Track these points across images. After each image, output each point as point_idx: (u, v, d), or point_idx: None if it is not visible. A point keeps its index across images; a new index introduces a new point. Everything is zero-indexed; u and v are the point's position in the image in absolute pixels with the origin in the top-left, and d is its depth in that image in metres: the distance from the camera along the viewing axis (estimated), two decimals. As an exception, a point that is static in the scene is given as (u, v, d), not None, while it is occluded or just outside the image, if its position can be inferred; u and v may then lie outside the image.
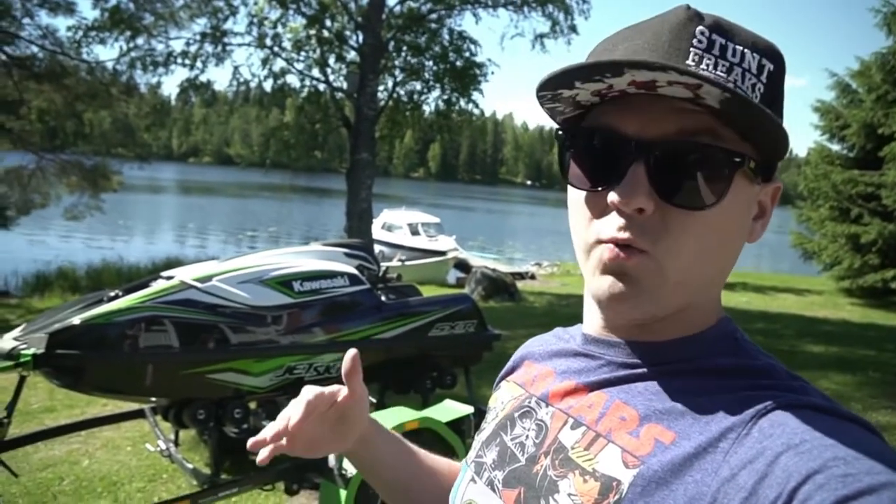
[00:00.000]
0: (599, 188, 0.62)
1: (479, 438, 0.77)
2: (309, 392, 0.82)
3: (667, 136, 0.58)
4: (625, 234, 0.59)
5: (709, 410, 0.58)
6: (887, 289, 13.47)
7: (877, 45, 33.88)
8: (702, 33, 0.59)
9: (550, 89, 0.61)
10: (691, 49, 0.58)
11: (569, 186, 0.66)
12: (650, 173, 0.58)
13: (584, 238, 0.64)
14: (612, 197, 0.59)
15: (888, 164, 12.99)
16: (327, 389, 0.83)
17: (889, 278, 13.00)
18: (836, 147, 15.14)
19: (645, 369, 0.64)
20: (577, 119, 0.66)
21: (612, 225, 0.60)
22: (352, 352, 0.82)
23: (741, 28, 0.61)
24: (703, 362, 0.63)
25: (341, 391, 0.84)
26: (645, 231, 0.59)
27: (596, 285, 0.62)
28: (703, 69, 0.57)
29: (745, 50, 0.59)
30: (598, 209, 0.62)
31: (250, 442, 0.82)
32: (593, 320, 0.70)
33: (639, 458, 0.58)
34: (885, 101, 13.42)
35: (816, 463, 0.48)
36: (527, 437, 0.69)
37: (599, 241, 0.62)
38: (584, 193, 0.64)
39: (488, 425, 0.78)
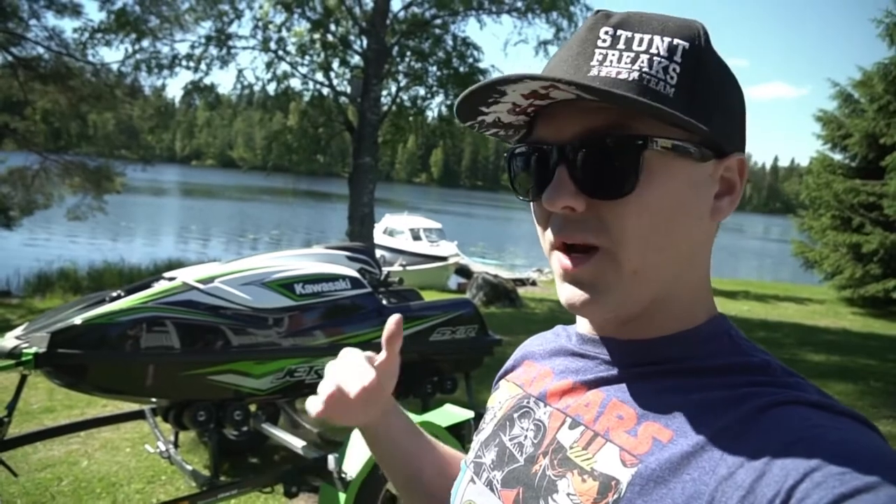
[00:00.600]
0: (537, 197, 0.64)
1: (478, 439, 0.77)
2: (359, 355, 0.83)
3: (578, 135, 0.61)
4: (565, 233, 0.62)
5: (706, 408, 0.58)
6: (889, 299, 13.46)
7: (879, 55, 33.99)
8: (605, 32, 0.61)
9: (470, 119, 0.66)
10: (595, 50, 0.61)
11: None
12: (571, 173, 0.60)
13: (544, 245, 0.67)
14: (544, 199, 0.62)
15: (890, 173, 12.99)
16: (368, 353, 0.84)
17: (890, 288, 13.00)
18: (837, 156, 15.17)
19: (641, 367, 0.65)
20: (524, 139, 0.69)
21: (555, 228, 0.63)
22: (396, 316, 0.83)
23: (655, 17, 0.62)
24: (699, 360, 0.63)
25: (379, 356, 0.84)
26: (585, 227, 0.61)
27: (561, 294, 0.65)
28: (607, 65, 0.59)
29: (654, 36, 0.60)
30: (545, 217, 0.65)
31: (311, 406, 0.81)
32: (585, 322, 0.71)
33: (637, 456, 0.58)
34: (887, 112, 13.44)
35: (814, 460, 0.48)
36: (525, 437, 0.69)
37: (552, 246, 0.64)
38: (533, 205, 0.67)
39: (487, 425, 0.78)
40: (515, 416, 0.73)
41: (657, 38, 0.60)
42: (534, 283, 17.42)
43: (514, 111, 0.63)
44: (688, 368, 0.63)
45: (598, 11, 0.63)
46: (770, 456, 0.51)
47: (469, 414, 3.53)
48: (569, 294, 0.63)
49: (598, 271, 0.61)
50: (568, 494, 0.60)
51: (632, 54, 0.60)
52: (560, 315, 11.25)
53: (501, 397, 0.80)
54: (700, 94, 0.60)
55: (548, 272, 20.58)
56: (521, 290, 13.43)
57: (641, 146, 0.59)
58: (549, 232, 0.64)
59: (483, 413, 3.05)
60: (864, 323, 12.32)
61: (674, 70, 0.60)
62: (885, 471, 0.47)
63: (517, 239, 36.41)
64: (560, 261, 0.63)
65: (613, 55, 0.60)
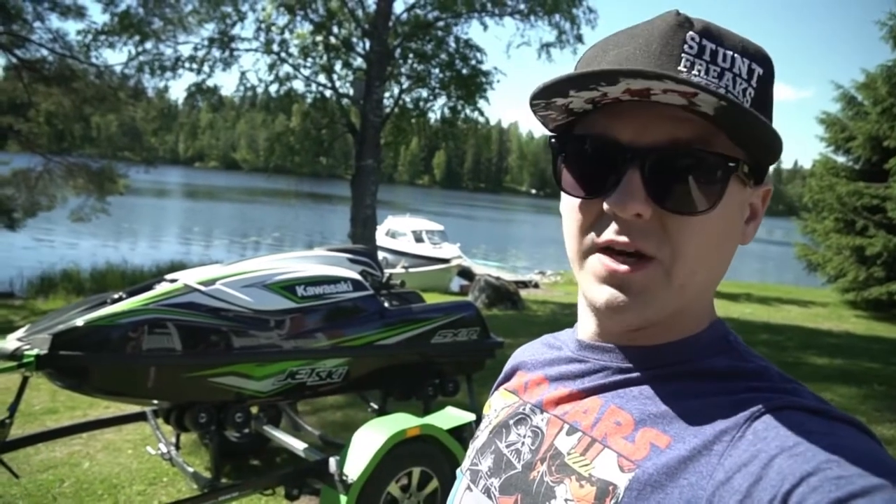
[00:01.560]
0: (594, 196, 0.62)
1: (474, 446, 0.77)
2: None
3: (661, 142, 0.59)
4: (624, 238, 0.60)
5: (703, 413, 0.58)
6: (892, 301, 13.42)
7: (882, 57, 33.93)
8: (692, 38, 0.59)
9: (545, 98, 0.61)
10: (682, 55, 0.58)
11: (562, 194, 0.66)
12: (645, 180, 0.59)
13: (578, 245, 0.64)
14: (609, 204, 0.60)
15: (894, 176, 12.97)
16: None
17: (894, 291, 12.95)
18: (841, 159, 15.13)
19: (639, 373, 0.65)
20: (568, 126, 0.66)
21: (610, 230, 0.61)
22: None
23: (730, 33, 0.61)
24: (697, 365, 0.63)
25: None
26: (647, 235, 0.60)
27: (594, 295, 0.63)
28: (695, 75, 0.58)
29: (735, 55, 0.60)
30: (593, 216, 0.63)
31: None
32: (588, 326, 0.70)
33: (634, 462, 0.58)
34: (891, 114, 13.41)
35: (810, 465, 0.49)
36: (522, 443, 0.69)
37: (596, 247, 0.62)
38: (578, 201, 0.64)
39: (482, 433, 0.78)
40: (511, 423, 0.73)
41: (739, 58, 0.60)
42: (536, 286, 17.42)
43: (593, 100, 0.60)
44: (686, 374, 0.63)
45: (678, 13, 0.61)
46: (767, 461, 0.51)
47: (471, 416, 3.52)
48: (609, 296, 0.61)
49: (649, 281, 0.60)
50: (566, 500, 0.60)
51: (718, 69, 0.59)
52: (562, 317, 11.24)
53: (496, 405, 0.80)
54: (764, 121, 0.59)
55: (550, 274, 20.57)
56: (523, 293, 13.43)
57: (733, 168, 0.59)
58: (595, 231, 0.62)
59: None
60: (867, 326, 12.28)
61: (749, 94, 0.60)
62: (881, 475, 0.47)
63: (519, 241, 36.41)
64: (605, 262, 0.61)
65: (700, 65, 0.58)
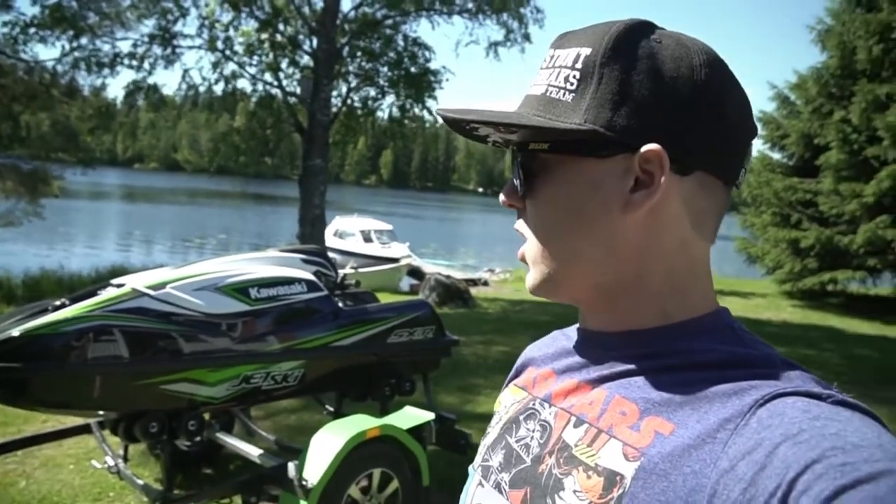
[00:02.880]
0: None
1: (485, 443, 0.78)
2: None
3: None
4: (515, 225, 0.73)
5: (707, 401, 0.58)
6: (825, 291, 14.06)
7: (813, 59, 35.45)
8: (549, 54, 0.69)
9: (469, 132, 0.71)
10: (539, 71, 0.69)
11: None
12: (513, 178, 0.71)
13: None
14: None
15: (824, 172, 13.56)
16: None
17: (826, 281, 13.56)
18: (777, 156, 15.73)
19: (643, 362, 0.65)
20: None
21: None
22: None
23: (586, 30, 0.68)
24: (701, 353, 0.63)
25: None
26: (523, 219, 0.72)
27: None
28: (536, 85, 0.69)
29: (570, 49, 0.66)
30: None
31: None
32: (585, 320, 0.73)
33: (639, 450, 0.58)
34: (821, 113, 14.03)
35: (815, 452, 0.49)
36: (532, 438, 0.70)
37: None
38: None
39: (493, 429, 0.79)
40: (521, 418, 0.74)
41: (570, 51, 0.66)
42: (486, 283, 17.50)
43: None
44: (690, 362, 0.63)
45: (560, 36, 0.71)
46: (771, 448, 0.51)
47: (429, 415, 3.51)
48: (527, 277, 0.73)
49: (531, 256, 0.70)
50: (574, 492, 0.61)
51: (552, 71, 0.67)
52: (512, 314, 11.33)
53: (506, 401, 0.81)
54: (599, 93, 0.63)
55: (500, 272, 20.73)
56: (473, 291, 13.47)
57: (519, 151, 0.69)
58: None
59: (443, 414, 3.07)
60: (803, 315, 12.80)
61: (573, 77, 0.65)
62: (886, 461, 0.47)
63: (468, 239, 36.58)
64: None
65: (544, 74, 0.68)
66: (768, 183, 14.74)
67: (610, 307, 0.68)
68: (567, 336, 0.78)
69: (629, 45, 0.64)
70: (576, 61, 0.65)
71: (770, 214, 15.00)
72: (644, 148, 0.62)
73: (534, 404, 0.74)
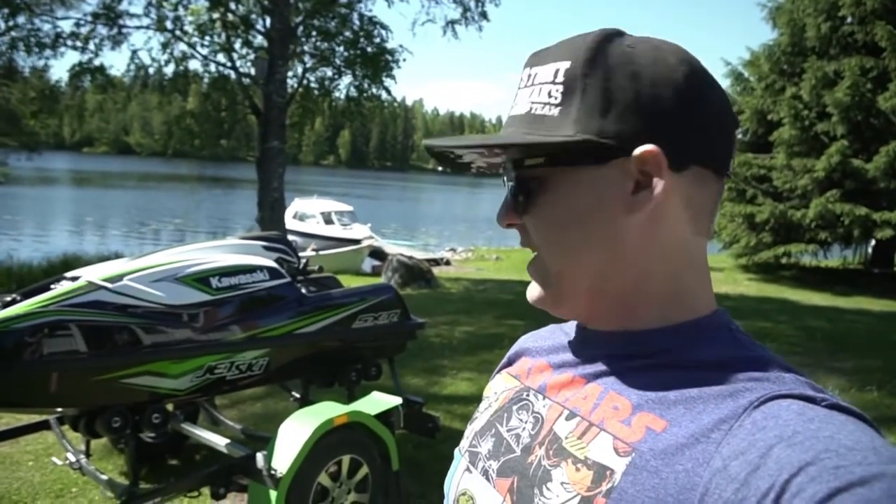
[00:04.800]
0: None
1: (472, 428, 0.78)
2: None
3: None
4: (521, 243, 0.73)
5: (702, 400, 0.59)
6: (779, 264, 14.49)
7: (765, 36, 36.12)
8: (526, 73, 0.70)
9: (454, 160, 0.73)
10: (518, 91, 0.70)
11: None
12: (508, 197, 0.72)
13: None
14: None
15: (777, 148, 13.91)
16: None
17: (780, 254, 13.98)
18: (732, 132, 16.05)
19: (640, 360, 0.66)
20: None
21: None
22: None
23: (559, 44, 0.68)
24: (698, 353, 0.64)
25: None
26: (524, 235, 0.72)
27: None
28: (517, 105, 0.69)
29: (547, 65, 0.67)
30: None
31: None
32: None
33: (630, 445, 0.59)
34: (773, 90, 14.35)
35: (809, 455, 0.49)
36: (523, 428, 0.71)
37: None
38: None
39: (481, 415, 0.79)
40: (514, 407, 0.74)
41: (548, 67, 0.67)
42: (448, 263, 17.54)
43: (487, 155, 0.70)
44: (686, 361, 0.64)
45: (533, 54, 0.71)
46: (765, 450, 0.51)
47: (397, 400, 3.51)
48: (528, 289, 0.72)
49: (536, 273, 0.71)
50: (562, 483, 0.61)
51: (533, 89, 0.67)
52: (476, 294, 11.39)
53: (497, 388, 0.81)
54: (585, 103, 0.64)
55: (461, 251, 20.79)
56: (435, 270, 13.47)
57: (515, 167, 0.69)
58: None
59: (411, 398, 3.08)
60: (758, 288, 13.19)
61: (557, 91, 0.65)
62: (880, 464, 0.48)
63: (429, 219, 36.56)
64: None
65: (524, 93, 0.68)
66: (724, 159, 15.05)
67: (611, 311, 0.68)
68: (564, 331, 0.79)
69: (605, 53, 0.65)
70: (556, 75, 0.66)
71: (727, 190, 15.31)
72: (639, 150, 0.63)
73: (527, 395, 0.74)
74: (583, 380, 0.69)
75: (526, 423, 0.71)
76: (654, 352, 0.66)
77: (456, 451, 0.80)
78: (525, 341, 0.85)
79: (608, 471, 0.58)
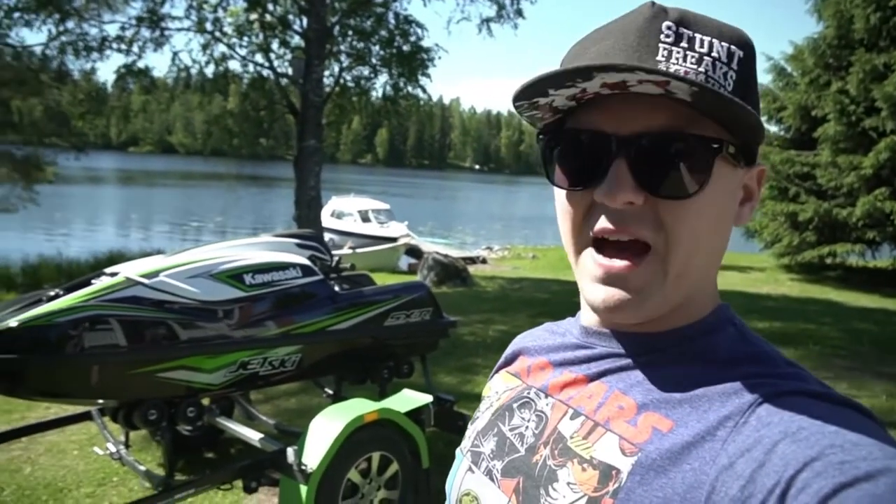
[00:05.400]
0: (583, 187, 0.63)
1: (474, 428, 0.77)
2: None
3: (645, 130, 0.60)
4: (622, 227, 0.61)
5: (707, 399, 0.59)
6: (823, 264, 14.08)
7: (809, 29, 35.12)
8: (668, 28, 0.60)
9: (526, 99, 0.62)
10: (660, 45, 0.59)
11: (555, 190, 0.67)
12: (632, 168, 0.60)
13: (572, 239, 0.65)
14: (599, 194, 0.61)
15: (822, 144, 13.50)
16: None
17: (825, 254, 13.57)
18: (774, 128, 15.64)
19: (644, 359, 0.65)
20: (556, 123, 0.67)
21: (603, 220, 0.62)
22: None
23: (707, 18, 0.62)
24: (701, 351, 0.64)
25: None
26: (642, 221, 0.61)
27: (590, 295, 0.63)
28: (674, 62, 0.59)
29: (713, 39, 0.60)
30: (583, 209, 0.64)
31: None
32: (591, 315, 0.71)
33: (636, 445, 0.58)
34: (818, 85, 13.92)
35: (814, 450, 0.49)
36: (526, 427, 0.70)
37: (590, 240, 0.63)
38: (569, 193, 0.65)
39: (482, 415, 0.78)
40: (515, 406, 0.73)
41: (717, 42, 0.60)
42: (484, 261, 17.51)
43: (575, 97, 0.61)
44: (690, 359, 0.63)
45: (653, 3, 0.62)
46: (770, 446, 0.51)
47: (427, 398, 3.52)
48: (606, 295, 0.62)
49: (646, 276, 0.61)
50: (568, 483, 0.61)
51: (696, 55, 0.59)
52: (511, 292, 11.34)
53: (498, 387, 0.80)
54: (750, 103, 0.60)
55: (498, 249, 20.73)
56: (471, 269, 13.47)
57: (717, 150, 0.60)
58: (588, 223, 0.63)
59: (441, 395, 3.06)
60: (801, 288, 12.84)
61: (731, 77, 0.60)
62: (885, 459, 0.48)
63: (465, 217, 36.53)
64: (599, 261, 0.62)
65: (678, 53, 0.59)
66: (766, 156, 14.68)
67: (662, 318, 0.65)
68: (563, 329, 0.78)
69: (755, 60, 0.65)
70: (731, 59, 0.61)
71: (768, 188, 14.95)
72: (759, 166, 0.67)
73: (528, 393, 0.73)
74: (586, 379, 0.68)
75: (529, 421, 0.70)
76: (658, 349, 0.65)
77: (457, 450, 0.79)
78: (522, 340, 0.84)
79: (614, 471, 0.58)
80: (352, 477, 3.06)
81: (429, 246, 18.66)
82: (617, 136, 0.60)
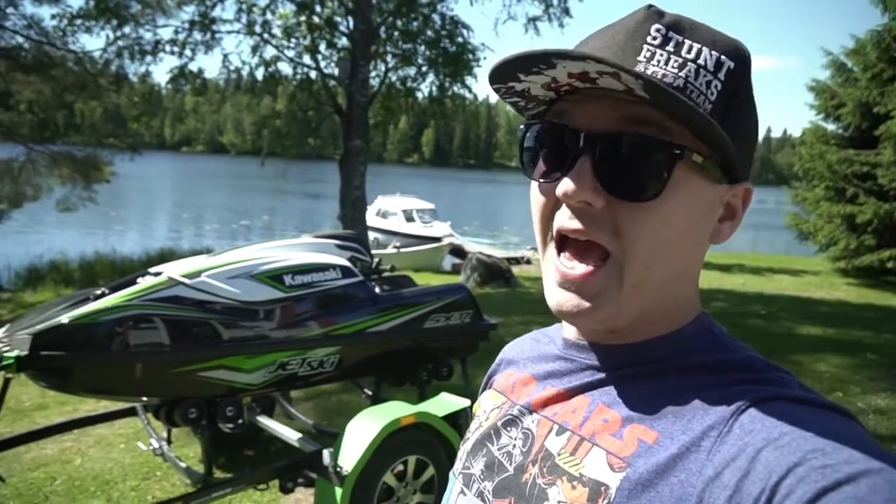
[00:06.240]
0: (551, 181, 0.63)
1: (465, 448, 0.77)
2: None
3: (610, 128, 0.59)
4: (575, 225, 0.60)
5: (690, 408, 0.58)
6: (884, 269, 13.44)
7: (872, 22, 33.73)
8: (657, 30, 0.60)
9: (501, 82, 0.62)
10: (644, 45, 0.60)
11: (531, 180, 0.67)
12: (595, 166, 0.59)
13: (540, 233, 0.65)
14: (559, 189, 0.60)
15: (884, 143, 12.92)
16: None
17: (885, 258, 12.98)
18: (831, 126, 15.07)
19: (626, 370, 0.65)
20: (538, 115, 0.67)
21: (563, 216, 0.62)
22: None
23: (704, 27, 0.62)
24: (683, 360, 0.63)
25: None
26: (598, 224, 0.60)
27: (549, 298, 0.64)
28: (654, 64, 0.59)
29: (703, 47, 0.60)
30: (552, 203, 0.64)
31: None
32: (570, 326, 0.71)
33: (623, 459, 0.58)
34: (881, 80, 13.33)
35: (796, 456, 0.49)
36: (514, 446, 0.69)
37: (553, 236, 0.64)
38: (539, 185, 0.65)
39: (472, 435, 0.77)
40: (500, 425, 0.73)
41: (706, 50, 0.60)
42: (528, 262, 17.38)
43: (550, 86, 0.61)
44: (672, 369, 0.63)
45: (650, 6, 0.63)
46: (754, 454, 0.51)
47: (465, 402, 3.48)
48: (561, 299, 0.62)
49: (604, 283, 0.60)
50: (559, 502, 0.60)
51: (679, 60, 0.59)
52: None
53: (486, 406, 0.80)
54: (731, 117, 0.60)
55: (543, 250, 20.54)
56: (515, 270, 13.37)
57: (678, 155, 0.59)
58: (553, 216, 0.63)
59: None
60: (859, 294, 12.33)
61: (715, 87, 0.60)
62: (866, 461, 0.48)
63: (510, 217, 36.32)
64: (558, 267, 0.62)
65: (661, 56, 0.59)
66: (821, 156, 14.16)
67: (629, 329, 0.65)
68: (549, 338, 0.77)
69: (750, 74, 0.64)
70: (718, 69, 0.60)
71: (823, 188, 14.43)
72: (744, 185, 0.65)
73: (514, 411, 0.73)
74: (569, 393, 0.68)
75: (516, 440, 0.70)
76: (638, 361, 0.64)
77: (451, 473, 0.79)
78: (508, 351, 0.84)
79: (603, 487, 0.58)
80: (387, 480, 3.06)
81: (473, 246, 18.63)
82: (584, 132, 0.60)
